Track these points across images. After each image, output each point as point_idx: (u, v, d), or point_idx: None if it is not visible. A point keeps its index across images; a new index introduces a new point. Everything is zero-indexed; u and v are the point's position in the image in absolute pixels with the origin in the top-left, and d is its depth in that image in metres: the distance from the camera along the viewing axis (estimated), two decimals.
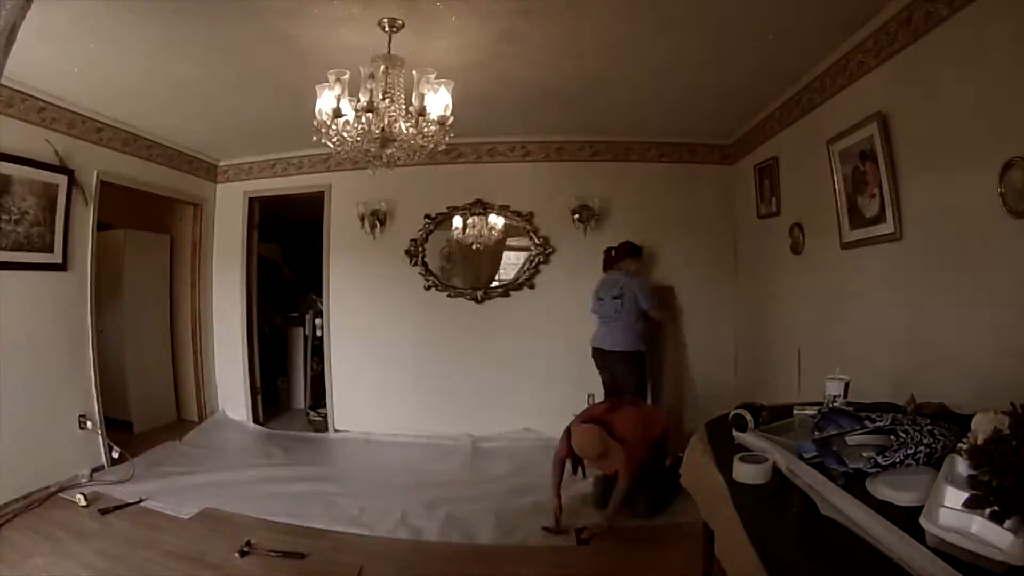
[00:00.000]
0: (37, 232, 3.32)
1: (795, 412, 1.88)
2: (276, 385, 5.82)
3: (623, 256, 4.06)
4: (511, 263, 4.72)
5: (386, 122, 2.38)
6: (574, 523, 2.91)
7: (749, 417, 1.76)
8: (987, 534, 0.92)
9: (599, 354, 3.99)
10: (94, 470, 3.60)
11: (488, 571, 2.59)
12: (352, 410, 4.84)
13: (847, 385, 1.85)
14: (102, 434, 3.71)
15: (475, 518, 3.07)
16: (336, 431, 4.84)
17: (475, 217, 4.35)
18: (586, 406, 4.43)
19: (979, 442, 1.05)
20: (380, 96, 2.37)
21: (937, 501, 1.03)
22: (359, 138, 2.40)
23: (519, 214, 4.60)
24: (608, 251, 4.17)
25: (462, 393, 4.65)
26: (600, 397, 4.15)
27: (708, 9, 2.52)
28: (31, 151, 3.26)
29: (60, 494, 3.25)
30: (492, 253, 4.61)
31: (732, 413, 1.81)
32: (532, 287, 4.63)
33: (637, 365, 3.89)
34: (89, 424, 3.62)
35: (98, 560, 2.56)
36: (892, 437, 1.34)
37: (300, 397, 5.71)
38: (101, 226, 3.89)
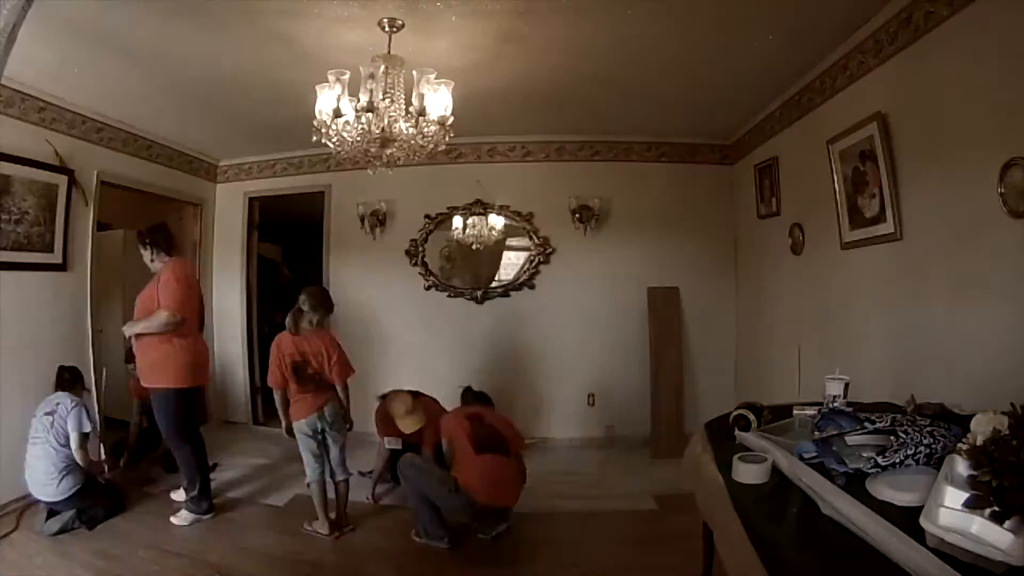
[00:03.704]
0: (37, 232, 3.31)
1: (795, 412, 1.88)
2: None
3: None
4: (511, 263, 4.72)
5: (386, 122, 2.39)
6: None
7: (752, 417, 1.76)
8: (987, 534, 0.92)
9: None
10: None
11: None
12: (351, 409, 4.83)
13: (847, 385, 1.84)
14: (100, 435, 3.70)
15: None
16: None
17: (475, 217, 4.35)
18: (587, 406, 4.46)
19: (979, 442, 1.05)
20: (380, 96, 2.37)
21: (937, 501, 1.03)
22: (359, 138, 2.40)
23: (519, 214, 4.60)
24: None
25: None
26: (598, 396, 4.13)
27: (708, 9, 2.52)
28: (31, 151, 3.26)
29: None
30: (492, 253, 4.61)
31: (734, 414, 1.80)
32: (532, 287, 4.63)
33: None
34: None
35: (98, 560, 2.56)
36: (892, 438, 1.34)
37: None
38: (101, 226, 3.89)
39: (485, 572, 2.59)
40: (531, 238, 4.61)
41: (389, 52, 2.51)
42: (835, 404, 1.75)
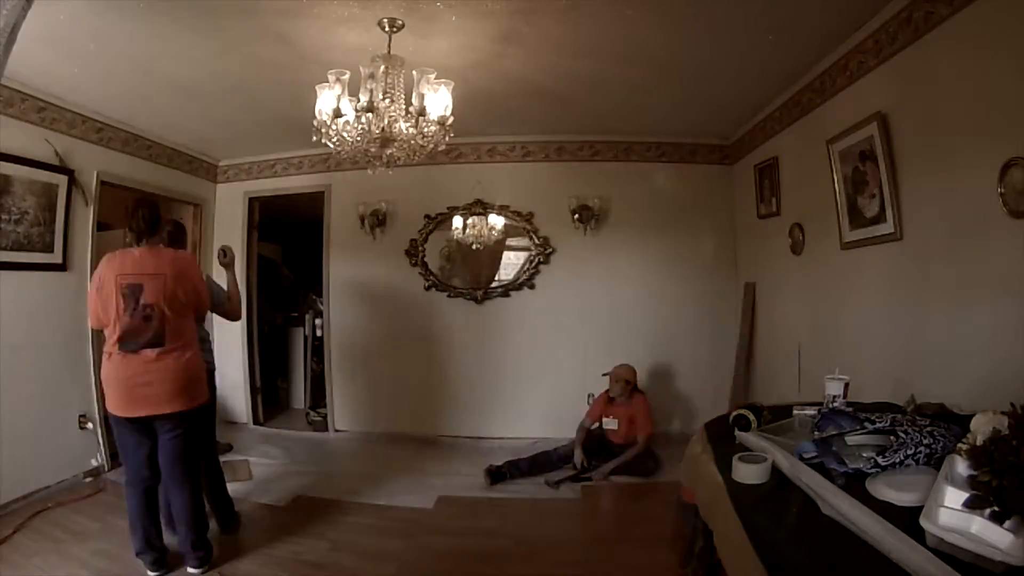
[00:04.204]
0: (37, 232, 3.31)
1: (795, 412, 1.88)
2: (276, 385, 5.82)
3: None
4: (511, 263, 4.72)
5: (386, 122, 2.39)
6: None
7: (752, 417, 1.76)
8: (987, 534, 0.92)
9: None
10: (92, 471, 3.59)
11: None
12: (352, 410, 4.85)
13: (847, 385, 1.84)
14: (102, 434, 3.70)
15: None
16: (336, 431, 4.84)
17: (475, 217, 4.35)
18: (588, 406, 4.46)
19: (979, 442, 1.05)
20: (380, 96, 2.37)
21: (937, 501, 1.03)
22: (359, 138, 2.40)
23: (519, 214, 4.60)
24: None
25: (462, 393, 4.65)
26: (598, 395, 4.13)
27: (708, 9, 2.51)
28: (31, 151, 3.26)
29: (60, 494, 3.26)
30: (492, 253, 4.61)
31: (734, 414, 1.81)
32: (532, 287, 4.63)
33: None
34: (89, 424, 3.62)
35: (98, 560, 2.56)
36: (892, 438, 1.34)
37: (300, 397, 5.71)
38: (101, 226, 3.89)
39: (485, 571, 2.59)
40: (531, 238, 4.61)
41: (389, 52, 2.51)
42: (835, 404, 1.75)
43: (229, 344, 5.07)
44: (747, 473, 1.42)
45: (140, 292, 2.35)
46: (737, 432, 1.74)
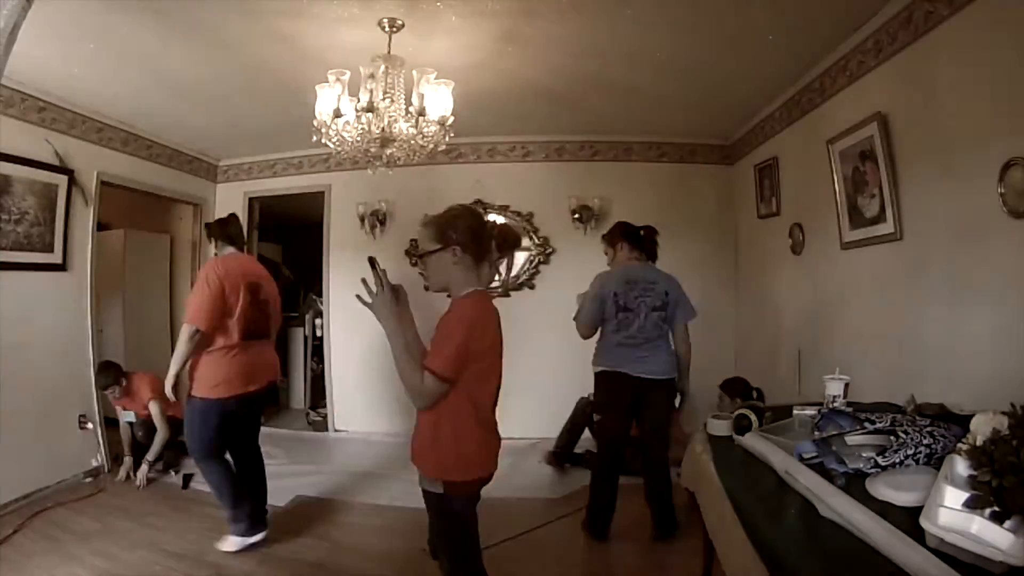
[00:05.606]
0: (37, 232, 3.31)
1: (795, 412, 1.88)
2: (276, 385, 5.81)
3: (651, 242, 3.11)
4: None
5: (386, 122, 2.39)
6: None
7: (753, 417, 1.76)
8: (987, 534, 0.92)
9: (629, 382, 3.00)
10: (92, 471, 3.59)
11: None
12: (351, 410, 4.84)
13: (847, 385, 1.84)
14: (102, 434, 3.70)
15: None
16: (336, 431, 4.84)
17: None
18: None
19: (979, 442, 1.05)
20: (380, 96, 2.37)
21: (937, 501, 1.03)
22: (359, 138, 2.40)
23: (519, 214, 4.60)
24: (632, 230, 3.16)
25: None
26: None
27: (708, 9, 2.52)
28: (31, 151, 3.26)
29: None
30: None
31: (735, 414, 1.80)
32: (532, 287, 4.63)
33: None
34: (89, 424, 3.62)
35: (98, 560, 2.56)
36: (892, 438, 1.34)
37: (300, 397, 5.71)
38: (101, 226, 3.89)
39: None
40: (531, 238, 4.61)
41: (389, 52, 2.51)
42: (835, 404, 1.75)
43: None
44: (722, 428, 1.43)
45: None
46: (735, 435, 1.73)
